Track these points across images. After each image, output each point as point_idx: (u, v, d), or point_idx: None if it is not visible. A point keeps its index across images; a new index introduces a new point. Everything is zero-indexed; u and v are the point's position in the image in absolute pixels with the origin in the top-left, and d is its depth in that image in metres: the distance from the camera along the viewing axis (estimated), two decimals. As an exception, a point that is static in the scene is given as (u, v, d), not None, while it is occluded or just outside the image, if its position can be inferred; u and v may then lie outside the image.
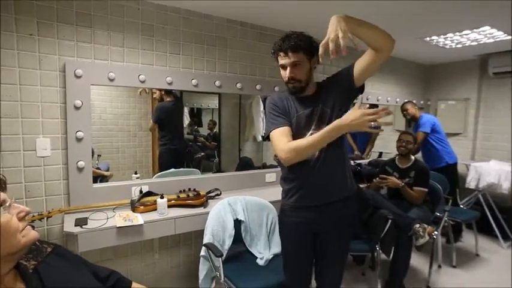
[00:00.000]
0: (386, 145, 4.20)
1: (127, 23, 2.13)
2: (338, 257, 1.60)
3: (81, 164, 2.00)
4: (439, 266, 2.90)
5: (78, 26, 1.96)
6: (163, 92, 2.71)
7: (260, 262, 1.94)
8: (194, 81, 2.38)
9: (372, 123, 1.25)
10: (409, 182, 2.65)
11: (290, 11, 2.37)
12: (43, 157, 1.92)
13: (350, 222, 1.58)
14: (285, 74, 1.44)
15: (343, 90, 1.45)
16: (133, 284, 1.07)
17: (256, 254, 2.01)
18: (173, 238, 2.41)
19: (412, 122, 3.67)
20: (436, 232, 2.46)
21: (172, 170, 2.59)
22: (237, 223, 2.03)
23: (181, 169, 2.66)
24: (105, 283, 0.98)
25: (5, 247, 0.72)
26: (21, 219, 0.76)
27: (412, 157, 2.77)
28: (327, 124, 1.37)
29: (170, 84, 2.29)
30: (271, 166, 3.09)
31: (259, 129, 3.23)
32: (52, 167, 1.95)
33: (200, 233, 2.01)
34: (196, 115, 3.29)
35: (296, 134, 1.45)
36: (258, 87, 2.72)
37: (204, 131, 3.29)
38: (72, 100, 1.95)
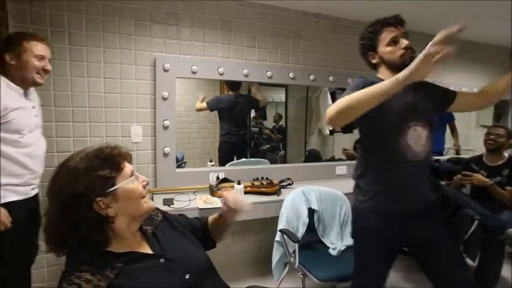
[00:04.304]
0: (467, 141, 3.79)
1: (207, 19, 2.27)
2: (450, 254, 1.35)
3: (167, 149, 2.21)
4: (538, 280, 2.54)
5: (167, 25, 2.16)
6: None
7: (333, 252, 1.93)
8: (269, 73, 2.45)
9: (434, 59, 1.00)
10: (501, 181, 2.37)
11: (363, 2, 2.30)
12: (136, 143, 2.17)
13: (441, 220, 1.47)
14: (400, 45, 1.29)
15: (436, 105, 1.35)
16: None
17: (328, 244, 2.00)
18: (243, 224, 2.52)
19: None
20: (535, 239, 2.16)
21: (244, 159, 2.70)
22: (310, 212, 2.04)
23: (252, 159, 2.76)
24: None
25: (134, 208, 0.86)
26: (144, 187, 0.90)
27: (506, 154, 2.47)
28: (427, 119, 1.30)
29: (246, 76, 2.39)
30: (340, 159, 3.03)
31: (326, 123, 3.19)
32: (143, 152, 2.20)
33: (269, 221, 2.07)
34: (261, 108, 3.37)
35: (396, 124, 1.26)
36: (330, 78, 2.69)
37: (269, 124, 3.35)
38: (160, 92, 2.16)
